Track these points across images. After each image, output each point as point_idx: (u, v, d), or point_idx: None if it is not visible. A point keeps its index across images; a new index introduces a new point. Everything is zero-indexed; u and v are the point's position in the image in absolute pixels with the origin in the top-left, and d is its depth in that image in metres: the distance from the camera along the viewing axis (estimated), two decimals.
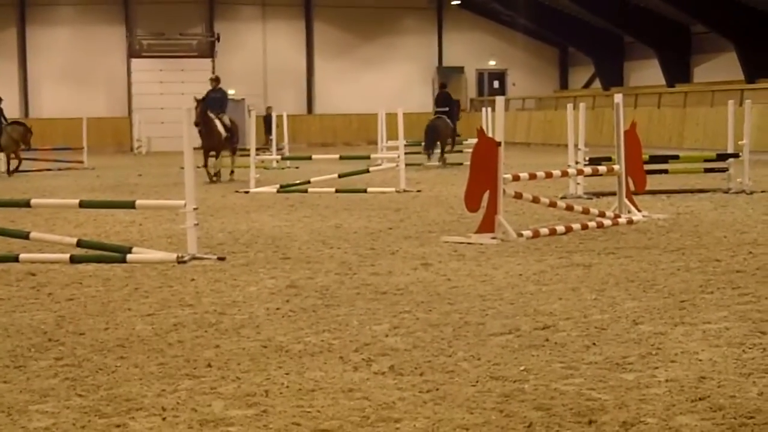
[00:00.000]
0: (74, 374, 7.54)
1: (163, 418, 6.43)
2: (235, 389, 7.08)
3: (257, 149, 31.43)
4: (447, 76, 60.30)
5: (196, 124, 27.26)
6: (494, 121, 16.15)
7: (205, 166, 28.50)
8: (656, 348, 8.07)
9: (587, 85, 58.99)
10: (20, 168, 33.86)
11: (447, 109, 36.70)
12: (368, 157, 29.65)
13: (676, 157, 23.92)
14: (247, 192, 24.56)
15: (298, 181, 25.99)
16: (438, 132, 35.82)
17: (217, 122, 28.82)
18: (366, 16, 59.47)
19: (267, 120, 45.62)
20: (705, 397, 6.68)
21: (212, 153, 29.00)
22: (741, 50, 45.13)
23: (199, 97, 28.67)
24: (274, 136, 42.45)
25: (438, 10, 61.42)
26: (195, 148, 17.58)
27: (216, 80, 30.84)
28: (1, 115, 34.17)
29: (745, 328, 8.75)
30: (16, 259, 13.27)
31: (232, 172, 29.46)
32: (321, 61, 59.95)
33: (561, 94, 58.61)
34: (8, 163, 33.78)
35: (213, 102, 29.17)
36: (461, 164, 31.70)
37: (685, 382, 7.05)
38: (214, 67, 56.13)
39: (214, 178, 28.49)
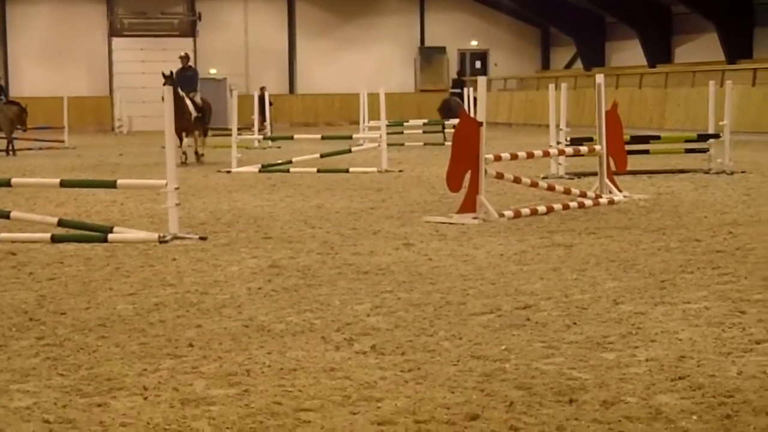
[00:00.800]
0: (55, 354, 7.54)
1: (145, 398, 6.43)
2: (216, 369, 7.08)
3: (250, 130, 31.50)
4: (429, 56, 60.53)
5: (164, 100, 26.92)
6: (476, 101, 16.14)
7: (180, 146, 26.77)
8: (636, 327, 8.10)
9: (569, 66, 58.99)
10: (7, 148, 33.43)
11: (460, 90, 45.90)
12: (350, 137, 29.65)
13: (657, 138, 23.97)
14: (228, 171, 24.53)
15: (280, 161, 25.97)
16: (451, 107, 42.45)
17: (188, 101, 27.97)
18: None
19: (261, 100, 45.33)
20: (685, 377, 6.70)
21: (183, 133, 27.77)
22: (722, 31, 45.16)
23: (167, 73, 27.66)
24: (268, 118, 42.62)
25: None
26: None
27: (186, 58, 30.20)
28: (3, 93, 33.98)
29: (725, 307, 8.78)
30: None
31: (202, 154, 28.43)
32: (303, 41, 59.80)
33: (543, 74, 58.62)
34: (10, 143, 33.39)
35: (184, 81, 28.34)
36: (442, 144, 31.74)
37: (665, 362, 7.07)
38: (195, 47, 56.09)
39: (184, 158, 27.20)
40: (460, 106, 40.28)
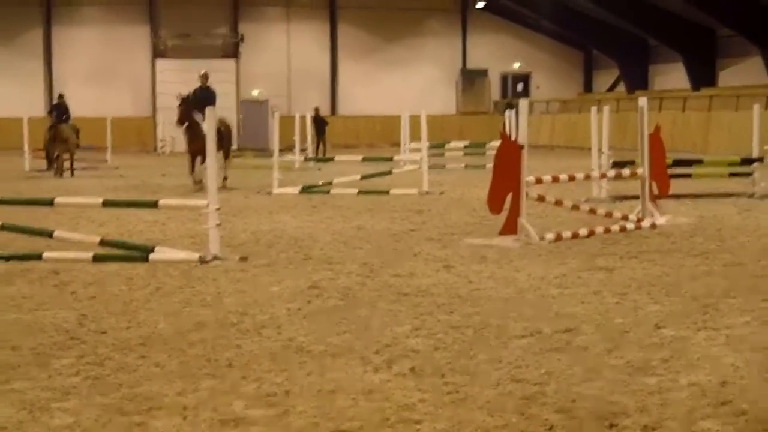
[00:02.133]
0: (96, 372, 7.57)
1: (184, 417, 6.45)
2: (255, 389, 7.09)
3: (292, 151, 31.54)
4: (470, 78, 60.59)
5: (179, 123, 26.44)
6: (518, 124, 16.13)
7: (191, 171, 26.24)
8: (678, 352, 8.06)
9: (611, 89, 58.93)
10: (54, 168, 33.11)
11: None
12: (391, 159, 29.66)
13: (700, 162, 23.87)
14: (269, 193, 24.59)
15: (320, 182, 26.01)
16: None
17: (204, 125, 26.59)
18: (390, 17, 59.52)
19: (317, 121, 45.39)
20: (727, 402, 6.66)
21: (199, 157, 25.77)
22: (767, 54, 44.98)
23: (184, 94, 26.47)
24: (326, 142, 43.07)
25: (462, 12, 61.45)
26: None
27: (205, 77, 28.03)
28: (64, 112, 33.99)
29: None
30: (39, 258, 13.32)
31: (225, 177, 26.30)
32: (345, 63, 60.04)
33: (585, 97, 58.59)
34: (55, 163, 33.12)
35: (200, 102, 25.97)
36: (484, 167, 31.74)
37: (708, 387, 7.03)
38: (237, 68, 56.35)
39: (198, 185, 25.32)
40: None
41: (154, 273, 12.34)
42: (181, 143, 49.80)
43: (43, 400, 6.85)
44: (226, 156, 27.52)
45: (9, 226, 14.82)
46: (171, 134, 51.41)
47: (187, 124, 26.14)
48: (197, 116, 25.55)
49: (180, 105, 26.14)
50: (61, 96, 36.10)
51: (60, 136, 32.71)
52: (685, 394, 6.89)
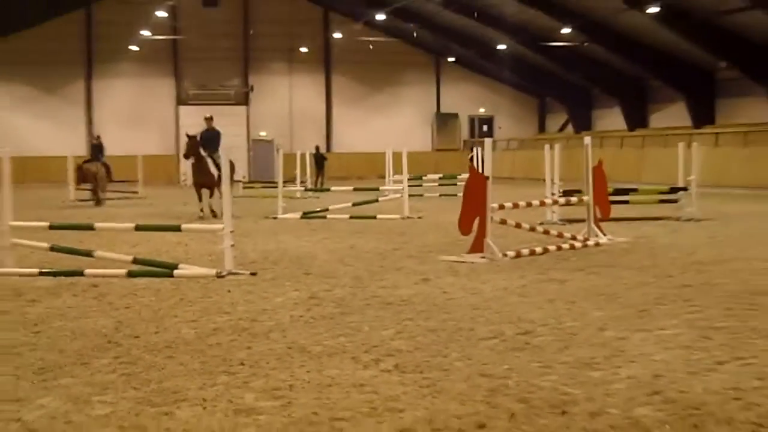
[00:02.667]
0: (130, 370, 7.55)
1: (204, 408, 6.43)
2: (264, 384, 7.07)
3: (302, 182, 31.38)
4: (444, 120, 60.76)
5: (186, 157, 25.91)
6: (483, 159, 16.15)
7: (200, 200, 25.55)
8: (619, 350, 8.06)
9: (561, 129, 59.06)
10: (91, 198, 32.92)
11: None
12: (377, 189, 29.65)
13: (635, 190, 23.96)
14: (275, 218, 24.56)
15: (318, 209, 25.99)
16: None
17: (209, 161, 25.43)
18: (376, 70, 59.60)
19: (317, 158, 45.45)
20: (659, 392, 6.67)
21: (204, 190, 25.63)
22: (689, 101, 45.31)
23: (192, 134, 25.86)
24: (324, 174, 43.02)
25: (436, 65, 61.54)
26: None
27: (210, 120, 27.03)
28: (101, 152, 33.85)
29: (693, 334, 8.74)
30: (82, 274, 13.31)
31: (215, 214, 24.87)
32: (338, 108, 60.08)
33: (540, 136, 58.65)
34: (99, 193, 32.98)
35: (207, 141, 25.87)
36: (455, 195, 31.71)
37: (643, 379, 7.04)
38: (248, 113, 56.38)
39: (201, 214, 25.01)
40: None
41: (178, 286, 12.32)
42: None
43: (85, 394, 6.83)
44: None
45: (57, 247, 14.79)
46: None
47: (193, 159, 25.64)
48: (204, 153, 25.38)
49: (187, 142, 25.60)
50: (98, 137, 35.97)
51: (88, 172, 32.56)
52: (625, 385, 6.89)
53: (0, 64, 54.42)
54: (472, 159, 47.17)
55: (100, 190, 32.74)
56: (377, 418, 6.13)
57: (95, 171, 32.69)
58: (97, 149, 34.14)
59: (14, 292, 12.05)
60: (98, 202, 32.25)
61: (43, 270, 13.75)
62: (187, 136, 25.68)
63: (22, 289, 12.20)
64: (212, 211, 24.85)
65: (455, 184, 34.64)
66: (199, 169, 25.57)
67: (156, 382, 7.17)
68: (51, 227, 15.71)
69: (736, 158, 38.21)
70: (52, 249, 14.69)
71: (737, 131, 40.44)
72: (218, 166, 24.70)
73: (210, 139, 25.91)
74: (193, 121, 54.86)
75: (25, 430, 5.97)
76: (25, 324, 9.75)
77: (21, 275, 13.50)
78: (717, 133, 41.39)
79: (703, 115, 44.87)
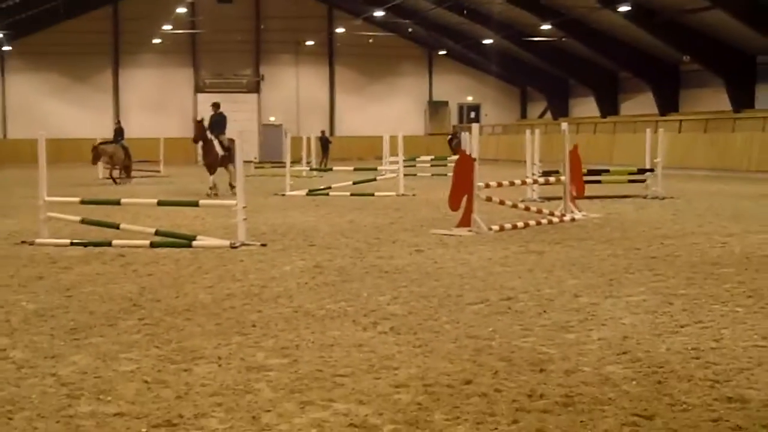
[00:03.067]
0: (152, 331, 7.56)
1: (219, 365, 6.44)
2: (273, 344, 7.09)
3: (308, 162, 31.13)
4: (435, 108, 60.64)
5: (195, 141, 26.19)
6: (471, 142, 16.14)
7: (214, 185, 25.10)
8: (591, 315, 8.08)
9: (541, 116, 58.93)
10: (114, 177, 32.26)
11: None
12: (375, 169, 29.62)
13: (607, 171, 23.96)
14: (283, 195, 24.56)
15: (322, 187, 25.98)
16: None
17: (216, 142, 25.52)
18: (374, 62, 59.42)
19: (323, 141, 45.44)
20: (627, 352, 6.69)
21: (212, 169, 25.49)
22: (656, 91, 45.30)
23: (199, 118, 25.89)
24: (329, 156, 43.01)
25: (429, 57, 61.32)
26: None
27: (216, 105, 26.65)
28: (120, 136, 33.46)
29: (658, 300, 8.76)
30: (109, 244, 13.32)
31: (233, 186, 23.53)
32: (340, 96, 59.93)
33: (521, 122, 58.53)
34: (122, 172, 32.62)
35: (214, 125, 25.83)
36: (446, 175, 31.68)
37: (613, 340, 7.05)
38: (259, 100, 56.24)
39: (209, 192, 24.63)
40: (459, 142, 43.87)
41: (196, 256, 12.33)
42: None
43: (113, 352, 6.84)
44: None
45: (87, 220, 14.79)
46: None
47: (201, 142, 25.71)
48: (211, 136, 25.44)
49: (195, 127, 25.56)
50: (118, 122, 35.58)
51: (103, 152, 32.18)
52: (596, 346, 6.91)
53: (37, 54, 54.33)
54: (451, 140, 47.70)
55: (117, 169, 32.25)
56: (375, 375, 6.15)
57: (111, 152, 32.26)
58: (117, 133, 33.84)
59: (49, 259, 12.06)
60: (115, 181, 31.73)
61: (75, 240, 13.76)
62: (195, 121, 25.60)
63: (56, 258, 12.21)
64: (231, 185, 24.37)
65: (445, 165, 34.62)
66: (207, 150, 25.63)
67: (176, 341, 7.18)
68: (82, 202, 15.70)
69: (698, 143, 38.19)
70: (83, 222, 14.70)
71: (699, 119, 40.46)
72: (224, 147, 25.43)
73: (217, 123, 25.93)
74: (209, 108, 54.89)
75: (60, 384, 5.98)
76: (59, 289, 9.76)
77: (55, 245, 13.50)
78: (680, 120, 41.39)
79: (668, 104, 44.93)
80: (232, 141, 25.52)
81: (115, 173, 32.01)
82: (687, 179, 30.38)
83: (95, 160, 32.59)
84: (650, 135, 22.60)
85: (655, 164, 22.14)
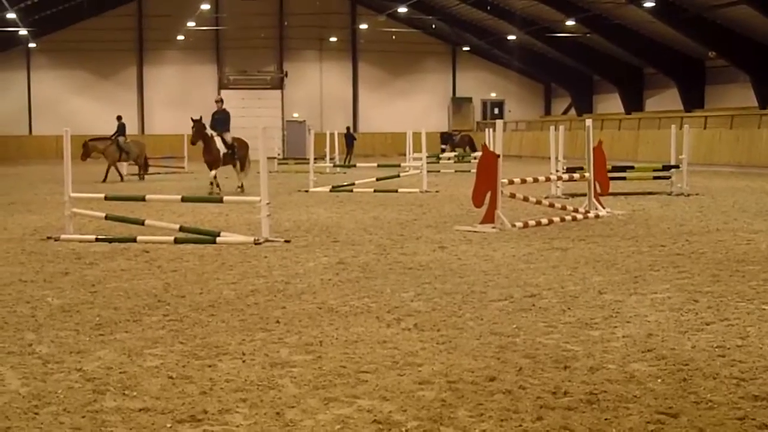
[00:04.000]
0: (177, 327, 7.59)
1: (243, 361, 6.46)
2: (297, 340, 7.10)
3: (331, 159, 31.07)
4: (459, 104, 60.56)
5: (193, 142, 24.68)
6: (494, 139, 16.12)
7: (214, 177, 24.34)
8: (616, 312, 8.06)
9: (565, 112, 58.76)
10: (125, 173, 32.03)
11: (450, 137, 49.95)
12: (399, 165, 29.65)
13: (631, 168, 23.85)
14: (307, 191, 24.59)
15: (345, 183, 26.00)
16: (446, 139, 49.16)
17: (218, 140, 24.45)
18: (398, 58, 59.42)
19: (348, 137, 45.42)
20: (652, 349, 6.66)
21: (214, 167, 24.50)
22: (681, 87, 45.11)
23: (196, 117, 24.47)
24: (353, 152, 43.04)
25: (452, 54, 61.29)
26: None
27: (220, 102, 25.93)
28: (122, 132, 33.11)
29: (683, 297, 8.72)
30: (134, 240, 13.38)
31: (240, 186, 25.01)
32: (364, 92, 59.97)
33: (545, 119, 58.38)
34: (141, 168, 32.63)
35: (216, 122, 24.84)
36: (469, 171, 31.65)
37: (637, 338, 7.03)
38: (282, 97, 56.32)
39: (215, 188, 24.00)
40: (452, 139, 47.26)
41: (220, 252, 12.37)
42: None
43: (138, 347, 6.87)
44: (242, 168, 25.66)
45: (112, 216, 14.86)
46: None
47: (200, 142, 24.31)
48: (212, 133, 24.45)
49: (192, 127, 24.30)
50: (119, 118, 34.20)
51: (94, 149, 31.76)
52: (621, 343, 6.88)
53: (61, 51, 54.68)
54: (445, 141, 48.10)
55: (110, 166, 31.47)
56: (398, 371, 6.15)
57: (102, 148, 31.70)
58: (118, 129, 33.27)
59: (74, 255, 12.13)
60: (105, 179, 30.55)
61: (100, 236, 13.84)
62: (192, 120, 24.41)
63: (81, 253, 12.28)
64: (213, 183, 23.99)
65: (469, 162, 34.60)
66: (208, 148, 24.45)
67: (200, 337, 7.21)
68: (106, 198, 15.78)
69: (723, 139, 37.98)
70: (108, 218, 14.76)
71: (724, 114, 40.23)
72: (227, 144, 24.65)
73: (220, 120, 25.03)
74: (234, 104, 54.77)
75: (85, 379, 6.01)
76: (84, 284, 9.82)
77: (80, 241, 13.58)
78: (706, 116, 41.19)
79: (693, 100, 44.72)
80: (236, 139, 25.34)
81: (128, 169, 31.68)
82: (712, 176, 30.21)
83: (84, 156, 31.70)
84: (675, 131, 22.51)
85: (680, 161, 22.04)
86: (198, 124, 24.14)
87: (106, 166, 31.55)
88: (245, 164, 25.69)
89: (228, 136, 24.86)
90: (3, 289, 9.55)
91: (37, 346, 6.93)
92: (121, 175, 31.65)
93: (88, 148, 31.88)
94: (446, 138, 49.43)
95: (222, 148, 24.45)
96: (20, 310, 8.39)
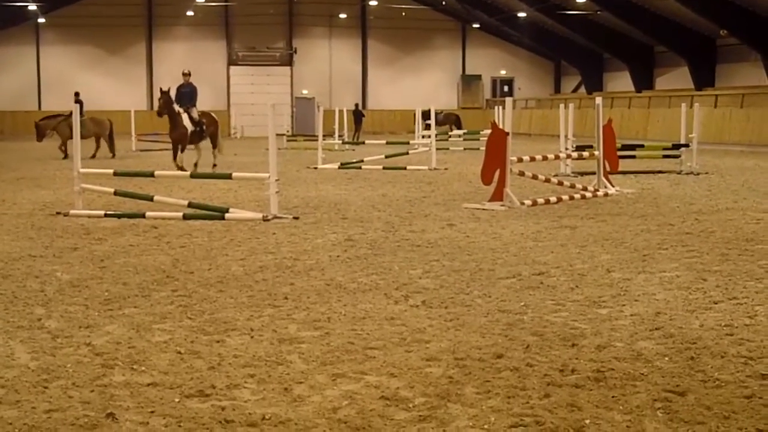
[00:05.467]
0: (185, 302, 7.61)
1: (251, 337, 6.48)
2: (305, 316, 7.12)
3: (340, 136, 30.95)
4: (468, 81, 60.38)
5: (159, 114, 22.23)
6: (504, 116, 16.09)
7: (174, 157, 22.47)
8: (624, 290, 8.05)
9: (575, 90, 58.54)
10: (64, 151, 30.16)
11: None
12: (408, 143, 29.61)
13: (641, 146, 23.80)
14: (315, 168, 24.58)
15: (354, 160, 25.98)
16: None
17: (185, 116, 22.48)
18: (407, 35, 59.22)
19: (356, 114, 45.37)
20: (660, 327, 6.66)
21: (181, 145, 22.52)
22: (692, 66, 44.89)
23: (165, 89, 22.26)
24: (361, 129, 42.86)
25: (462, 31, 61.04)
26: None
27: (187, 75, 23.80)
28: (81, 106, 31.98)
29: (691, 276, 8.71)
30: (143, 216, 13.41)
31: (214, 165, 23.40)
32: (373, 69, 59.79)
33: (555, 97, 58.16)
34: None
35: (183, 96, 22.99)
36: (478, 149, 31.61)
37: (645, 316, 7.03)
38: (292, 74, 56.17)
39: (180, 165, 22.03)
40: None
41: (229, 228, 12.39)
42: (250, 130, 49.94)
43: (146, 323, 6.90)
44: (214, 146, 24.04)
45: (121, 192, 14.90)
46: (241, 123, 51.39)
47: (167, 115, 22.18)
48: (179, 109, 22.45)
49: (160, 98, 22.20)
50: (77, 94, 32.63)
51: (45, 128, 30.84)
52: (629, 321, 6.89)
53: (72, 27, 54.60)
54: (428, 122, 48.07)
55: (64, 144, 30.17)
56: (406, 348, 6.17)
57: (54, 126, 30.87)
58: (80, 104, 32.51)
59: (83, 231, 12.16)
60: (65, 154, 29.50)
61: (109, 212, 13.86)
62: (161, 91, 22.36)
63: (90, 229, 12.31)
64: (178, 165, 21.84)
65: (478, 139, 34.57)
66: (174, 124, 22.46)
67: (209, 313, 7.23)
68: (115, 174, 15.81)
69: (734, 118, 37.82)
70: (117, 193, 14.80)
71: (735, 93, 40.04)
72: (194, 122, 22.81)
73: (186, 94, 23.19)
74: (242, 80, 55.04)
75: (94, 353, 6.04)
76: (93, 260, 9.85)
77: (89, 216, 13.62)
78: (716, 95, 40.98)
79: (704, 79, 44.50)
80: (205, 115, 23.68)
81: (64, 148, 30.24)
82: (722, 155, 30.13)
83: (39, 137, 31.09)
84: (685, 110, 22.43)
85: (690, 139, 21.98)
86: (165, 96, 22.14)
87: (61, 143, 30.47)
88: (217, 141, 24.27)
89: (195, 112, 23.01)
90: (12, 264, 9.59)
91: (46, 321, 6.96)
92: (66, 154, 29.74)
93: (39, 128, 31.12)
94: (428, 116, 49.17)
95: (189, 126, 22.60)
96: (30, 284, 8.42)
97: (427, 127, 44.42)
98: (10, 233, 12.01)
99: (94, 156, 29.58)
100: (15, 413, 4.87)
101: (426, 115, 48.11)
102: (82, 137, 30.40)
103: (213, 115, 24.37)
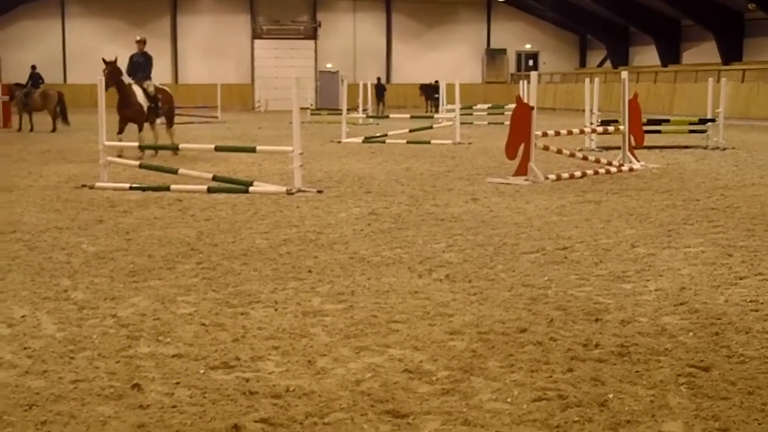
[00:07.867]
0: (210, 275, 7.65)
1: (275, 309, 6.51)
2: (329, 289, 7.14)
3: (364, 110, 30.87)
4: (493, 55, 60.13)
5: (106, 87, 15.95)
6: (529, 91, 16.01)
7: (119, 133, 19.05)
8: (648, 265, 8.03)
9: (600, 65, 58.24)
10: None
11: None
12: (432, 117, 29.54)
13: (667, 121, 23.64)
14: (339, 142, 24.58)
15: (378, 134, 25.95)
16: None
17: (138, 90, 19.73)
18: (432, 9, 59.04)
19: (378, 88, 45.40)
20: (684, 303, 6.64)
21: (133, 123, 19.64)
22: (719, 40, 44.53)
23: (110, 59, 19.31)
24: (384, 103, 42.85)
25: (487, 4, 60.77)
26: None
27: (142, 42, 20.62)
28: (37, 79, 31.97)
29: (716, 251, 8.67)
30: (168, 189, 13.45)
31: (177, 148, 17.54)
32: (397, 43, 59.65)
33: (580, 71, 57.87)
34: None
35: (134, 66, 20.13)
36: (502, 123, 31.49)
37: (670, 291, 7.01)
38: (316, 47, 56.05)
39: (140, 153, 18.40)
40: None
41: (253, 201, 12.42)
42: (274, 104, 49.94)
43: (171, 295, 6.94)
44: (170, 125, 21.23)
45: (145, 164, 14.96)
46: (265, 97, 51.38)
47: (114, 87, 19.09)
48: (130, 80, 19.96)
49: (104, 69, 18.95)
50: (33, 67, 33.35)
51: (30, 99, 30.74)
52: (653, 296, 6.87)
53: (97, 1, 54.66)
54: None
55: (24, 116, 30.52)
56: (429, 321, 6.18)
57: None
58: (35, 77, 32.24)
59: (109, 203, 12.23)
60: (20, 128, 29.96)
61: (134, 185, 13.92)
62: (104, 62, 19.28)
63: (115, 202, 12.38)
64: (140, 147, 17.71)
65: (502, 114, 34.42)
66: (124, 98, 19.57)
67: (233, 285, 7.26)
68: (140, 147, 15.84)
69: (761, 93, 37.51)
70: (141, 166, 14.86)
71: (763, 68, 39.69)
72: (149, 96, 20.03)
73: (138, 64, 20.23)
74: (266, 53, 54.90)
75: (120, 325, 6.08)
76: (119, 232, 9.91)
77: (114, 189, 13.69)
78: (744, 69, 40.66)
79: (731, 53, 44.15)
80: (160, 90, 20.76)
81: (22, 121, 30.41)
82: (749, 130, 29.90)
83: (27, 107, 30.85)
84: (712, 84, 22.26)
85: (716, 114, 21.82)
86: (111, 65, 19.20)
87: (18, 117, 30.74)
88: (172, 120, 21.54)
89: (150, 86, 20.15)
90: (39, 236, 9.66)
91: (72, 292, 7.01)
92: (21, 126, 30.38)
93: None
94: (427, 89, 49.18)
95: (143, 102, 19.80)
96: (56, 256, 8.49)
97: (435, 101, 44.47)
98: (36, 206, 12.09)
99: (53, 130, 29.43)
100: (42, 383, 4.91)
101: (427, 88, 48.27)
102: (34, 110, 30.56)
103: (168, 90, 21.65)
